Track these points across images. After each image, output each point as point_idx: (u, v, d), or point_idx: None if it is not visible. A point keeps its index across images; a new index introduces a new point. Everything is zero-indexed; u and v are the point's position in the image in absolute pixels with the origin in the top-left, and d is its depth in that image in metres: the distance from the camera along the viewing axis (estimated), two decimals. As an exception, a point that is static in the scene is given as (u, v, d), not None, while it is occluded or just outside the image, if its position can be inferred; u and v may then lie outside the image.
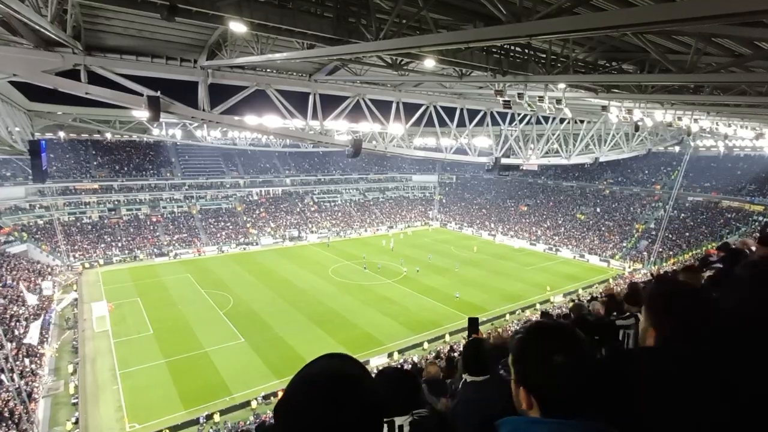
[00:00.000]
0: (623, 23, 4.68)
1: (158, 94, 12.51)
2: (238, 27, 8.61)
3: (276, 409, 0.89)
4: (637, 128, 22.64)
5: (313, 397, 0.85)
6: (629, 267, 42.60)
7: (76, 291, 35.16)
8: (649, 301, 1.67)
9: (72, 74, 11.87)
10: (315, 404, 0.84)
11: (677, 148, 48.93)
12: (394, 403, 2.35)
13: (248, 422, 19.50)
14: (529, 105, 15.83)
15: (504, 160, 25.89)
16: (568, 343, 1.16)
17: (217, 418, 19.75)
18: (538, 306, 32.95)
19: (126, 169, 54.98)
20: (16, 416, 17.66)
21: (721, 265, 5.24)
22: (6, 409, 17.84)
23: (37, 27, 8.37)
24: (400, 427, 2.27)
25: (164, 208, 54.28)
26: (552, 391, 1.14)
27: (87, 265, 42.70)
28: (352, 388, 0.88)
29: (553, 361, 1.12)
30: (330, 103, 18.29)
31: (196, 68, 13.52)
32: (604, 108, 17.30)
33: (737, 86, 12.12)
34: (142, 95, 12.53)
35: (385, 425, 2.27)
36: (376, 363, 24.18)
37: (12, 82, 18.02)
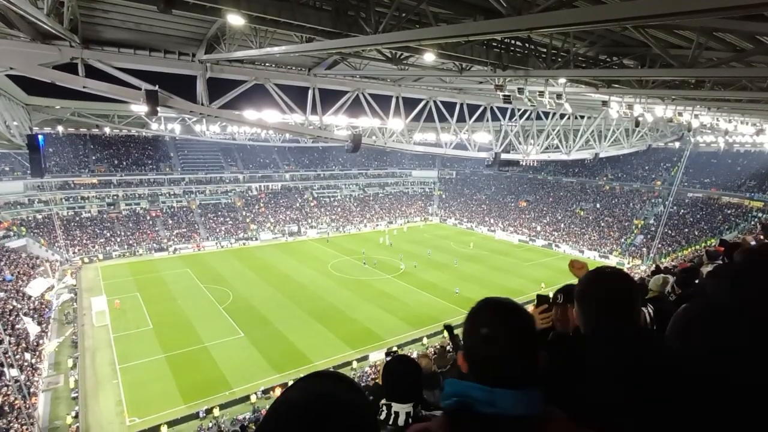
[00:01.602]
0: (624, 16, 4.64)
1: (156, 88, 12.45)
2: (236, 20, 8.52)
3: None
4: (637, 124, 22.58)
5: (292, 424, 0.76)
6: (628, 263, 42.66)
7: (75, 287, 35.19)
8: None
9: (69, 68, 11.79)
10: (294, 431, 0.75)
11: (677, 144, 48.71)
12: (394, 389, 2.33)
13: (247, 417, 19.60)
14: (529, 100, 15.75)
15: (504, 156, 25.86)
16: (503, 317, 1.14)
17: (216, 412, 19.84)
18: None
19: (125, 163, 54.86)
20: (16, 410, 17.74)
21: (721, 261, 5.23)
22: (6, 404, 17.92)
23: (34, 20, 8.31)
24: (396, 413, 2.23)
25: (163, 203, 54.24)
26: (475, 361, 1.13)
27: (86, 260, 42.74)
28: (337, 412, 0.78)
29: (479, 333, 1.12)
30: (329, 98, 18.19)
31: (194, 62, 13.42)
32: (605, 103, 17.20)
33: (738, 81, 12.07)
34: (140, 89, 12.49)
35: (384, 408, 2.26)
36: (375, 358, 24.31)
37: (10, 76, 17.93)
